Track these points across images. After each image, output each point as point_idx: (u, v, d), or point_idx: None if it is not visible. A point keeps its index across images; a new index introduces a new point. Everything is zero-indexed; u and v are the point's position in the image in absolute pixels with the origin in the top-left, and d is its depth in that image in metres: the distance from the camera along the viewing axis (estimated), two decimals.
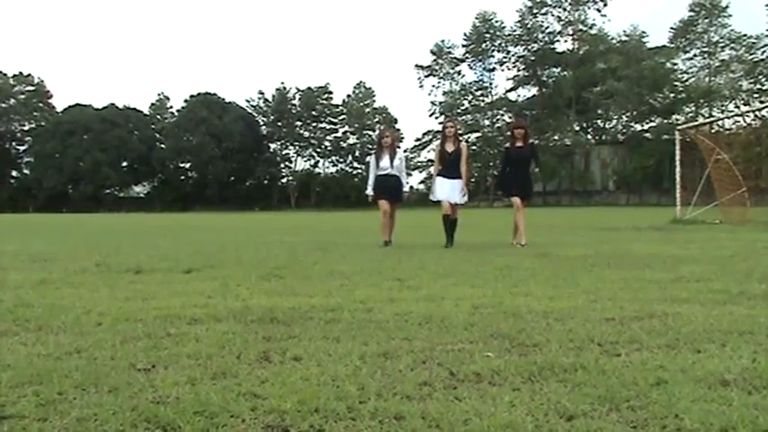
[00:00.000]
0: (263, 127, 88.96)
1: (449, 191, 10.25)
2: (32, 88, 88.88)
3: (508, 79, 79.91)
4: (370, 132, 79.68)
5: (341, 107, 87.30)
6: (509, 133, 11.15)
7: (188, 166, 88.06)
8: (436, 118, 75.85)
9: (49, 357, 2.93)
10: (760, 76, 64.25)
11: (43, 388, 2.47)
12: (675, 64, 70.36)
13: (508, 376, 2.57)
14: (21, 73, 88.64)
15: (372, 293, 4.88)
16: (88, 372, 2.67)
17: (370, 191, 10.82)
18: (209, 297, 4.81)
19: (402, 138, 78.01)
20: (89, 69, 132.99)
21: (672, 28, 70.65)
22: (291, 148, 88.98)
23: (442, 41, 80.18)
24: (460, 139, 10.78)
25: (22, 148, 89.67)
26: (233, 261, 7.85)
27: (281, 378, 2.57)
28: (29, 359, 2.90)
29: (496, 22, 78.76)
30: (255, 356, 2.92)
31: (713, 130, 23.91)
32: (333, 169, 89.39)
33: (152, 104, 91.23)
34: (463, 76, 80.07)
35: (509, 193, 10.84)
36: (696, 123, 29.03)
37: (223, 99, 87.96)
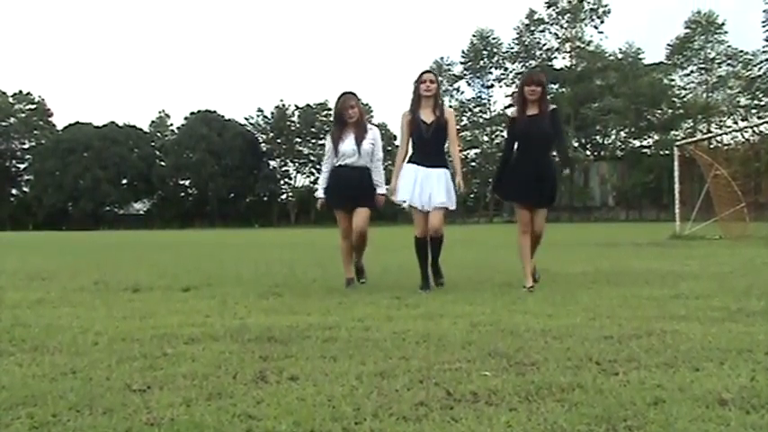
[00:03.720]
0: (263, 144, 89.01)
1: (425, 188, 6.37)
2: (33, 106, 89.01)
3: (506, 96, 79.76)
4: None
5: None
6: (516, 93, 6.91)
7: (188, 183, 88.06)
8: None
9: (44, 378, 2.92)
10: (757, 92, 64.38)
11: (37, 410, 2.45)
12: (673, 80, 70.50)
13: (505, 396, 2.55)
14: (21, 91, 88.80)
15: (370, 311, 4.87)
16: (83, 393, 2.65)
17: (320, 192, 6.96)
18: (206, 316, 4.80)
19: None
20: (89, 87, 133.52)
21: (668, 44, 70.87)
22: (291, 164, 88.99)
23: (441, 58, 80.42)
24: (442, 102, 6.71)
25: (22, 166, 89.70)
26: (232, 278, 7.84)
27: (277, 398, 2.55)
28: (23, 380, 2.88)
29: (494, 39, 79.03)
30: (252, 376, 2.91)
31: (711, 146, 24.00)
32: None
33: (152, 122, 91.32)
34: (462, 92, 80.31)
35: (514, 195, 6.57)
36: (694, 139, 29.14)
37: (222, 116, 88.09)
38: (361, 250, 7.10)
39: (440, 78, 6.86)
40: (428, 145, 6.48)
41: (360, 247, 7.02)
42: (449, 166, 6.55)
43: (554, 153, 6.79)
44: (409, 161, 6.58)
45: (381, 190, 6.84)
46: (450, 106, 79.58)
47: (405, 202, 6.44)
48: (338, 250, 7.18)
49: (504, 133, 7.52)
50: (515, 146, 6.53)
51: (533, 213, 6.45)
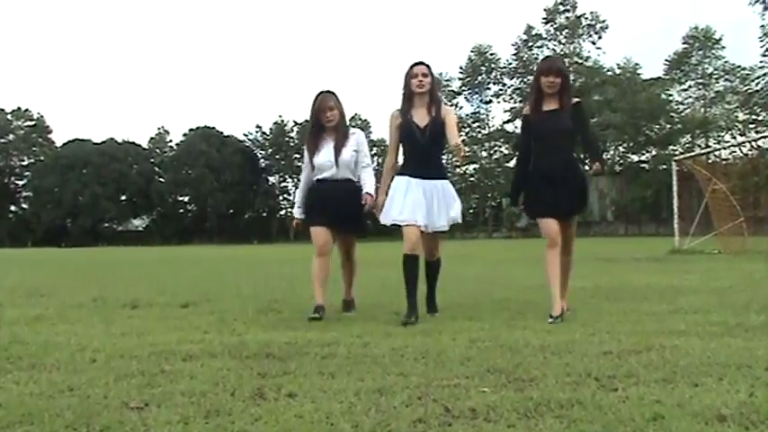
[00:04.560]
0: (262, 160, 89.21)
1: (422, 204, 5.33)
2: (32, 123, 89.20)
3: (505, 111, 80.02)
4: None
5: None
6: (531, 86, 5.63)
7: (187, 199, 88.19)
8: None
9: (41, 396, 2.91)
10: (755, 107, 64.58)
11: (35, 428, 2.45)
12: (671, 95, 70.77)
13: (504, 412, 2.55)
14: (20, 108, 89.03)
15: (369, 327, 4.87)
16: (80, 411, 2.64)
17: (297, 212, 5.97)
18: (205, 332, 4.79)
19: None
20: (88, 104, 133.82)
21: (666, 60, 71.22)
22: (290, 180, 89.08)
23: (440, 74, 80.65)
24: (438, 99, 5.61)
25: (21, 182, 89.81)
26: (230, 294, 7.83)
27: (275, 416, 2.55)
28: (21, 398, 2.87)
29: (492, 55, 79.34)
30: (250, 393, 2.90)
31: (710, 161, 24.00)
32: None
33: (151, 138, 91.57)
34: (460, 108, 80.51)
35: (538, 208, 5.45)
36: (693, 154, 29.14)
37: (221, 132, 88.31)
38: (351, 280, 6.14)
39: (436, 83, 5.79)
40: (424, 153, 5.44)
41: (349, 276, 6.12)
42: (446, 176, 5.64)
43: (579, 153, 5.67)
44: (400, 173, 5.49)
45: (370, 189, 5.64)
46: None
47: (395, 222, 5.32)
48: (311, 269, 5.74)
49: (519, 132, 6.27)
50: (532, 148, 5.50)
51: (561, 224, 5.36)
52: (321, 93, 5.80)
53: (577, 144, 5.53)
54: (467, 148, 5.05)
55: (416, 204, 5.31)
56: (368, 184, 5.70)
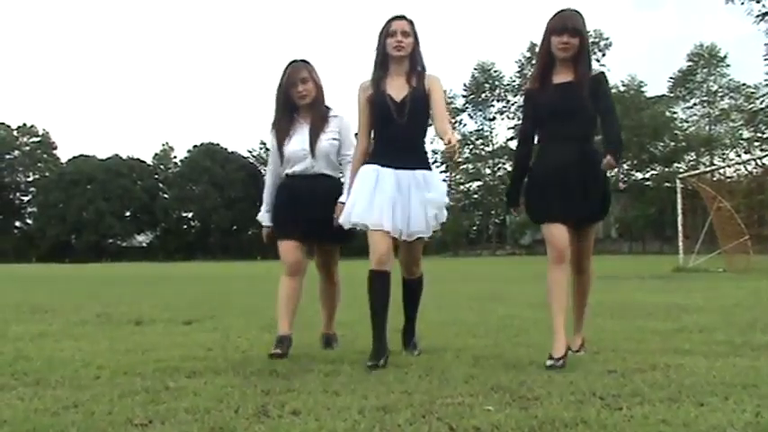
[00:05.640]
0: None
1: (393, 203, 4.11)
2: (37, 140, 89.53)
3: (509, 128, 80.00)
4: None
5: None
6: (539, 50, 4.28)
7: (191, 215, 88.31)
8: (438, 167, 76.14)
9: (46, 412, 2.91)
10: (760, 125, 64.59)
11: None
12: (675, 113, 70.82)
13: (508, 431, 2.54)
14: (25, 124, 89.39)
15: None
16: (85, 427, 2.65)
17: (265, 218, 4.72)
18: (208, 349, 4.79)
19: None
20: (93, 120, 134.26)
21: (671, 77, 71.34)
22: None
23: (444, 91, 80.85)
24: (422, 66, 4.34)
25: (26, 198, 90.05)
26: (234, 311, 7.83)
27: None
28: (26, 414, 2.87)
29: (495, 72, 79.55)
30: (254, 411, 2.89)
31: (714, 179, 23.98)
32: None
33: (155, 155, 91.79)
34: (464, 125, 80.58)
35: (540, 209, 4.17)
36: (697, 172, 29.16)
37: (225, 149, 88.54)
38: (333, 309, 4.86)
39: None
40: (399, 134, 4.22)
41: (331, 303, 4.84)
42: (429, 166, 4.34)
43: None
44: (369, 161, 4.27)
45: (343, 197, 4.39)
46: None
47: (356, 226, 4.17)
48: (279, 291, 4.58)
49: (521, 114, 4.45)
50: (537, 132, 4.29)
51: (574, 234, 4.16)
52: (292, 62, 4.58)
53: (597, 129, 4.20)
54: (458, 146, 3.79)
55: (386, 203, 4.07)
56: (348, 186, 4.40)
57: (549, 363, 3.86)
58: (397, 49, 4.20)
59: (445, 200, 4.25)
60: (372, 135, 4.36)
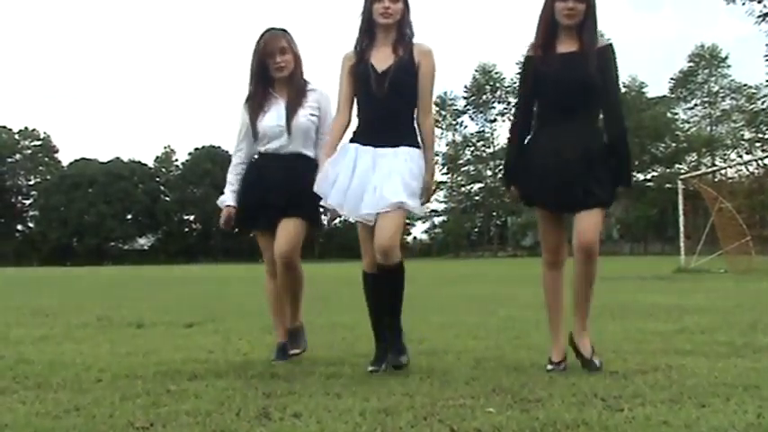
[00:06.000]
0: None
1: (366, 182, 3.73)
2: (38, 143, 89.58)
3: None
4: None
5: None
6: (540, 16, 3.82)
7: (192, 218, 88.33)
8: (440, 170, 76.33)
9: (47, 416, 2.91)
10: (761, 125, 64.60)
11: None
12: (676, 114, 70.81)
13: None
14: (26, 128, 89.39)
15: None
16: (86, 431, 2.65)
17: (230, 197, 4.42)
18: (210, 351, 4.79)
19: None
20: (95, 123, 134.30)
21: (672, 78, 71.30)
22: None
23: (445, 93, 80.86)
24: (411, 34, 3.89)
25: (27, 201, 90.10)
26: (235, 314, 7.83)
27: None
28: (27, 418, 2.87)
29: (496, 74, 79.50)
30: (255, 413, 2.89)
31: (716, 179, 24.00)
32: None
33: (157, 157, 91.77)
34: (465, 127, 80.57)
35: (535, 191, 3.85)
36: (699, 172, 29.17)
37: (227, 152, 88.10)
38: (294, 299, 4.30)
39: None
40: (379, 108, 3.85)
41: (292, 291, 4.25)
42: (418, 143, 3.89)
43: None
44: (351, 139, 3.95)
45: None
46: (454, 141, 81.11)
47: (332, 208, 3.90)
48: (266, 294, 4.47)
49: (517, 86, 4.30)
50: (536, 106, 3.91)
51: (574, 220, 3.75)
52: (269, 29, 4.26)
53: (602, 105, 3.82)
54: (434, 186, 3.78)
55: (367, 184, 3.72)
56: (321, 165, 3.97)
57: (549, 367, 3.81)
58: (384, 16, 3.80)
59: (415, 192, 3.76)
60: (352, 106, 4.00)
